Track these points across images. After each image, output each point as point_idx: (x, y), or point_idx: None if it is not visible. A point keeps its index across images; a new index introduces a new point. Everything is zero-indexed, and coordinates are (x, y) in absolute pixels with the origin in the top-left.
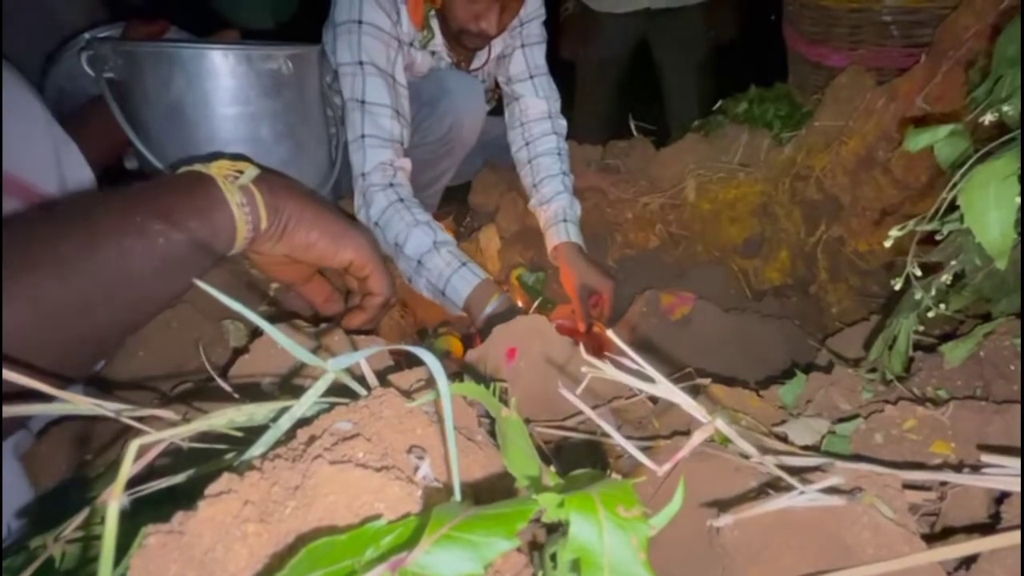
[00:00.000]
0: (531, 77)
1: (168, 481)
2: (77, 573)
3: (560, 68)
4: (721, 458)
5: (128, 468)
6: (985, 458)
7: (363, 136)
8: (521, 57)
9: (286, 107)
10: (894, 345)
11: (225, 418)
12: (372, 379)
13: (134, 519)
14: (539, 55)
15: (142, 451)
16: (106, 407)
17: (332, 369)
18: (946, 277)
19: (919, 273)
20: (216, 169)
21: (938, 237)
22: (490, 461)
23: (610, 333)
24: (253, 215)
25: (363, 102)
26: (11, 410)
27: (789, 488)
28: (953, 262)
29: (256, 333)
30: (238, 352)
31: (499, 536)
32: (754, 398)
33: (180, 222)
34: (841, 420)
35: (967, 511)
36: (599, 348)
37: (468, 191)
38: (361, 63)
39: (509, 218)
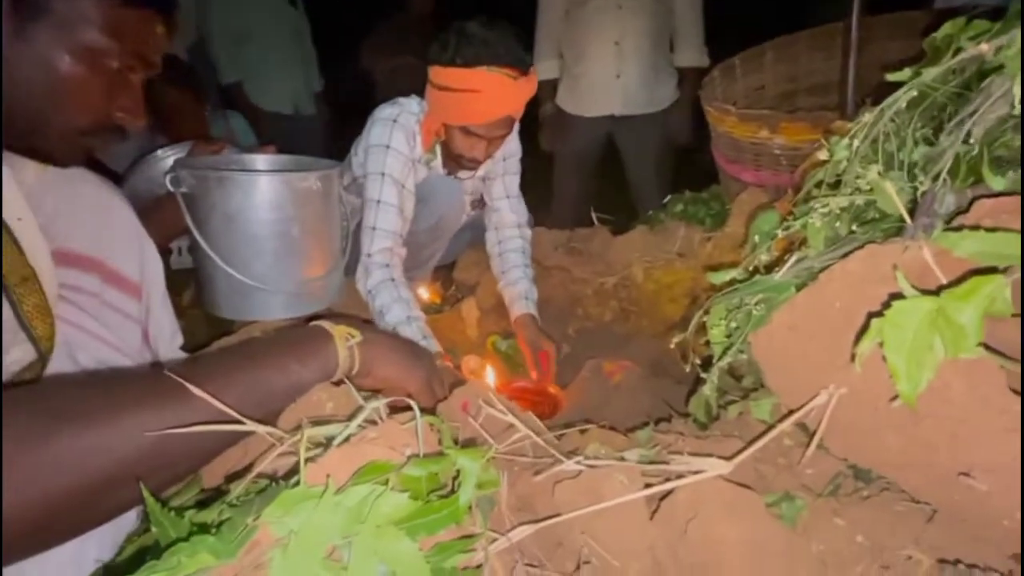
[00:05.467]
0: (507, 197)
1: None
2: None
3: (540, 159)
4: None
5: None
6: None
7: (374, 228)
8: (501, 183)
9: (312, 212)
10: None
11: (323, 430)
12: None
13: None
14: (514, 183)
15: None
16: (259, 429)
17: (368, 407)
18: (723, 363)
19: (699, 361)
20: (336, 331)
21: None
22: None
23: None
24: (349, 362)
25: (379, 201)
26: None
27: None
28: (729, 358)
29: None
30: None
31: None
32: (620, 438)
33: (306, 361)
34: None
35: None
36: (553, 404)
37: (454, 268)
38: (383, 174)
39: (487, 293)
